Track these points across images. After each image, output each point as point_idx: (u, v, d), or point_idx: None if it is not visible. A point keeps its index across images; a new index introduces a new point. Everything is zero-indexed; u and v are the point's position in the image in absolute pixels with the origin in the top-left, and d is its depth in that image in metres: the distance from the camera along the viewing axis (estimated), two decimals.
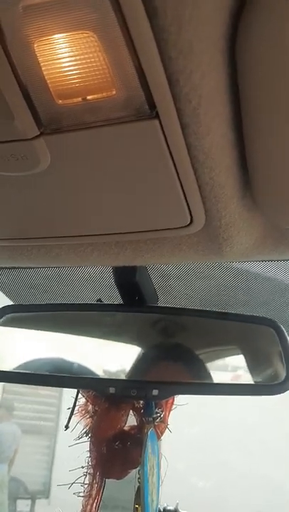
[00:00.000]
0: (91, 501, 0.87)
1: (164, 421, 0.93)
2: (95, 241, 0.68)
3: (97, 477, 0.89)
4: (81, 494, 0.88)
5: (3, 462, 6.00)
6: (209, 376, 0.97)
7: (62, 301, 1.23)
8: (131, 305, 0.92)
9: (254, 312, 0.97)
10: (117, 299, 0.94)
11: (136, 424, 0.93)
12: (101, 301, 0.97)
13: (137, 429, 0.92)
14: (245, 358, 0.99)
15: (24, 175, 0.52)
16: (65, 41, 0.40)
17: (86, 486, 0.88)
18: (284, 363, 0.86)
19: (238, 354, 1.02)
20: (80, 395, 0.95)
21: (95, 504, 0.87)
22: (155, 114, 0.44)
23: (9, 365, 0.95)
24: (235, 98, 0.45)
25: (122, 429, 0.92)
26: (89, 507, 0.86)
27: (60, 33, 0.39)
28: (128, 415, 0.93)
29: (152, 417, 0.89)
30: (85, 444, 0.93)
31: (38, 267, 1.02)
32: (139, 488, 0.82)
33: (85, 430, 0.92)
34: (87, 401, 0.92)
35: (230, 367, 1.01)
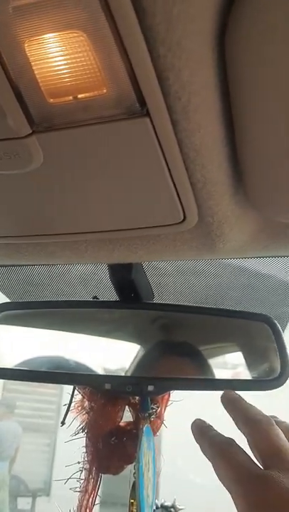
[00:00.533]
0: (87, 496, 0.87)
1: (159, 417, 0.93)
2: (89, 238, 0.68)
3: (94, 472, 0.89)
4: (77, 489, 0.88)
5: (5, 460, 6.02)
6: (206, 372, 0.98)
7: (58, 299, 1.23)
8: (127, 302, 0.92)
9: (249, 309, 0.97)
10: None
11: (132, 419, 0.93)
12: (97, 298, 0.97)
13: (133, 424, 0.92)
14: (243, 352, 0.99)
15: (18, 173, 0.53)
16: (56, 41, 0.40)
17: (82, 481, 0.89)
18: (279, 358, 0.86)
19: (234, 350, 1.02)
20: (76, 392, 0.96)
21: (91, 499, 0.88)
22: (146, 112, 0.45)
23: (4, 363, 0.96)
24: (226, 95, 0.46)
25: (118, 425, 0.92)
26: (85, 502, 0.87)
27: (50, 32, 0.39)
28: (124, 411, 0.93)
29: (148, 413, 0.90)
30: (84, 441, 0.94)
31: (34, 265, 1.03)
32: (134, 483, 0.83)
33: (81, 426, 0.92)
34: (84, 397, 0.93)
35: (229, 364, 1.01)
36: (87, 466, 0.90)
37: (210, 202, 0.56)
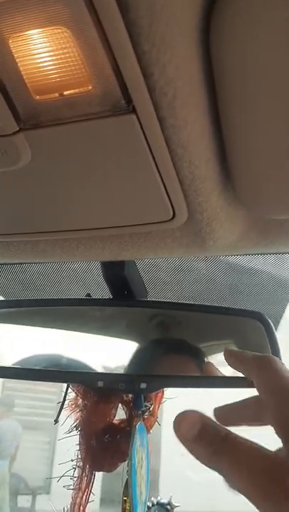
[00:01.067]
0: (81, 494, 0.87)
1: (153, 414, 0.93)
2: (79, 236, 0.68)
3: (87, 470, 0.89)
4: (71, 487, 0.88)
5: (5, 459, 6.04)
6: (200, 370, 0.98)
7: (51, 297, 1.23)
8: (120, 299, 0.92)
9: (243, 306, 0.97)
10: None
11: (125, 417, 0.93)
12: (90, 296, 0.97)
13: (127, 422, 0.92)
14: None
15: (5, 171, 0.52)
16: (40, 37, 0.40)
17: (76, 479, 0.89)
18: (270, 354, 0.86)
19: (228, 347, 1.02)
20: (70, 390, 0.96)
21: (84, 497, 0.88)
22: (132, 109, 0.45)
23: None
24: (212, 90, 0.45)
25: (111, 423, 0.92)
26: (78, 499, 0.87)
27: (34, 28, 0.39)
28: (117, 408, 0.93)
29: (141, 410, 0.90)
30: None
31: (26, 263, 1.03)
32: (127, 480, 0.83)
33: (75, 424, 0.92)
34: (77, 395, 0.93)
35: (222, 362, 1.01)
36: (80, 463, 0.90)
37: (199, 199, 0.56)
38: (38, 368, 0.94)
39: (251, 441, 0.49)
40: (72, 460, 0.90)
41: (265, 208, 0.61)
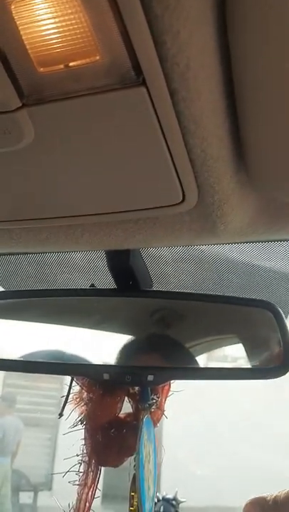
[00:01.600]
0: (86, 490, 0.85)
1: (160, 407, 0.91)
2: (84, 222, 0.65)
3: (93, 465, 0.87)
4: (76, 483, 0.86)
5: (7, 455, 6.07)
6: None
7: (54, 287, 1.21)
8: (125, 290, 0.90)
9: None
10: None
11: (132, 411, 0.91)
12: (94, 286, 0.95)
13: (133, 416, 0.90)
14: (243, 341, 0.97)
15: (8, 151, 0.50)
16: (44, 1, 0.37)
17: (81, 474, 0.87)
18: (282, 346, 0.84)
19: (236, 337, 1.00)
20: (74, 383, 0.94)
21: (90, 492, 0.86)
22: (142, 81, 0.42)
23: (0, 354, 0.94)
24: (227, 61, 0.43)
25: (117, 417, 0.90)
26: (84, 495, 0.85)
27: None
28: (123, 402, 0.91)
29: (148, 404, 0.88)
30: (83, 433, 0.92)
31: (29, 253, 1.00)
32: (134, 475, 0.81)
33: (80, 418, 0.90)
34: (82, 388, 0.91)
35: (229, 358, 0.99)
36: (86, 458, 0.88)
37: (210, 180, 0.53)
38: (41, 360, 0.92)
39: None
40: (77, 455, 0.88)
41: (278, 190, 0.59)
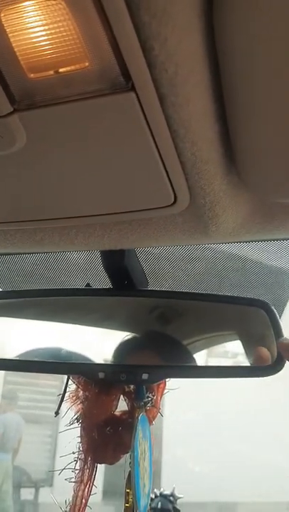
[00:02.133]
0: (83, 486, 0.86)
1: (155, 405, 0.92)
2: (78, 223, 0.66)
3: (89, 462, 0.88)
4: (73, 480, 0.87)
5: (8, 452, 6.08)
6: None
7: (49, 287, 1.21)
8: (120, 289, 0.91)
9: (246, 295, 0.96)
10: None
11: (127, 409, 0.92)
12: (90, 286, 0.96)
13: (129, 414, 0.91)
14: (239, 340, 0.98)
15: (1, 154, 0.51)
16: (33, 9, 0.38)
17: (77, 471, 0.87)
18: (276, 344, 0.85)
19: (231, 336, 1.01)
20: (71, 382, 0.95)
21: (87, 489, 0.86)
22: (131, 86, 0.43)
23: None
24: (215, 66, 0.43)
25: (113, 415, 0.91)
26: (81, 492, 0.86)
27: (27, 0, 0.37)
28: (119, 400, 0.92)
29: (143, 402, 0.89)
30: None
31: (24, 253, 1.01)
32: (130, 472, 0.81)
33: (76, 416, 0.91)
34: (78, 387, 0.92)
35: (230, 353, 1.00)
36: (82, 456, 0.89)
37: (201, 182, 0.54)
38: (37, 359, 0.93)
39: None
40: (73, 452, 0.89)
41: (270, 190, 0.59)
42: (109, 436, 0.89)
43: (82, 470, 0.87)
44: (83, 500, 0.86)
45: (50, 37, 0.40)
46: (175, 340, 0.96)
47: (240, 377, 0.91)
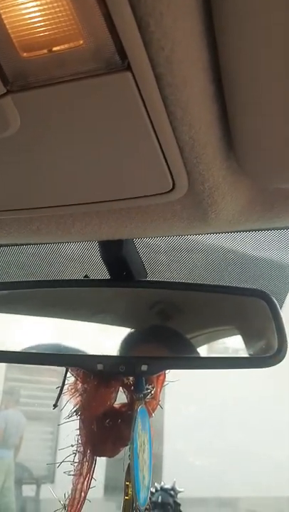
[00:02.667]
0: (82, 479, 0.85)
1: (155, 397, 0.91)
2: (75, 211, 0.65)
3: (88, 455, 0.87)
4: (72, 473, 0.86)
5: (10, 449, 6.09)
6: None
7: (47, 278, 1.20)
8: (119, 280, 0.90)
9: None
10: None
11: (127, 401, 0.91)
12: (88, 277, 0.95)
13: (128, 406, 0.90)
14: (238, 330, 0.97)
15: None
16: None
17: (76, 464, 0.86)
18: (276, 335, 0.84)
19: (231, 327, 1.00)
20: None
21: (86, 482, 0.86)
22: (127, 65, 0.41)
23: None
24: (213, 45, 0.42)
25: (112, 407, 0.90)
26: (79, 485, 0.85)
27: None
28: (118, 392, 0.91)
29: (143, 394, 0.88)
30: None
31: (21, 244, 0.99)
32: (129, 465, 0.80)
33: (75, 409, 0.90)
34: (77, 379, 0.91)
35: (231, 349, 0.99)
36: (81, 449, 0.88)
37: (200, 167, 0.53)
38: (35, 351, 0.92)
39: None
40: (72, 445, 0.88)
41: (270, 176, 0.58)
42: (109, 429, 0.88)
43: (81, 463, 0.86)
44: (82, 494, 0.85)
45: (42, 13, 0.38)
46: (174, 332, 0.95)
47: (240, 368, 0.90)
